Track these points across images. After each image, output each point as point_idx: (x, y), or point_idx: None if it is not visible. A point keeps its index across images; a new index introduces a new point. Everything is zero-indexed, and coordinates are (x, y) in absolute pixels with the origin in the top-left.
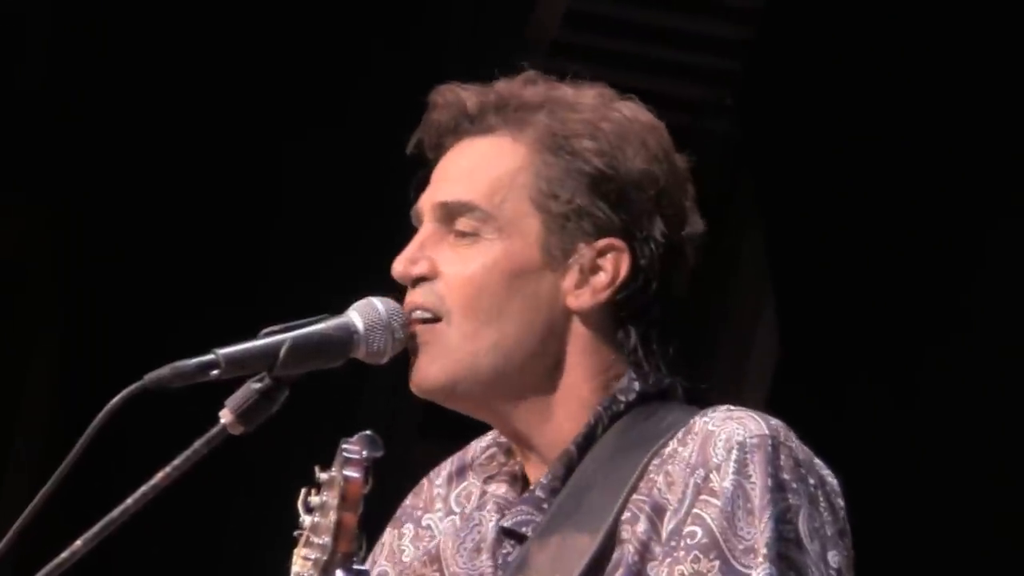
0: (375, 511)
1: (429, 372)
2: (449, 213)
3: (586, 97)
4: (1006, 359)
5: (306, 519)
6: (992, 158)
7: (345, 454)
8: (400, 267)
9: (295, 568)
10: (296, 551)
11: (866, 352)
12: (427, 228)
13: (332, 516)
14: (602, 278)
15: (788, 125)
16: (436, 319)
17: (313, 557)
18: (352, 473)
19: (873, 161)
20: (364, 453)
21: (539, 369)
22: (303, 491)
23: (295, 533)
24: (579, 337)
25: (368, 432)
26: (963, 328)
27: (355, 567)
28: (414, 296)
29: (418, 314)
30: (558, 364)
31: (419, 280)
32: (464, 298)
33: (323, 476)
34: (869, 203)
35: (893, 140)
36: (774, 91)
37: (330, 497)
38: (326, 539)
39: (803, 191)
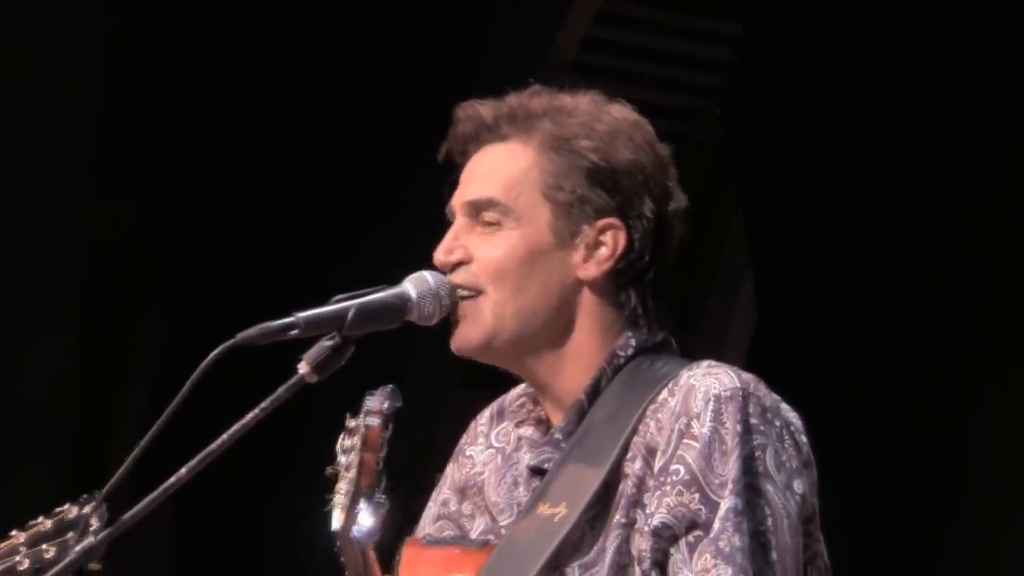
0: (425, 450)
1: (468, 335)
2: (476, 208)
3: (582, 103)
4: (939, 338)
5: (341, 459)
6: (940, 167)
7: (367, 405)
8: (441, 255)
9: (334, 498)
10: (336, 485)
11: (829, 320)
12: (459, 222)
13: (356, 456)
14: (604, 252)
15: (766, 133)
16: (476, 294)
17: (344, 490)
18: (372, 421)
19: (838, 163)
20: (385, 404)
21: (554, 330)
22: (340, 436)
23: (328, 470)
24: (587, 302)
25: (390, 386)
26: (901, 306)
27: (375, 498)
28: (455, 277)
29: (462, 292)
30: (570, 325)
31: (457, 265)
32: (494, 276)
33: (351, 423)
34: (832, 198)
35: (855, 146)
36: (756, 105)
37: (357, 441)
38: (352, 474)
39: (778, 187)
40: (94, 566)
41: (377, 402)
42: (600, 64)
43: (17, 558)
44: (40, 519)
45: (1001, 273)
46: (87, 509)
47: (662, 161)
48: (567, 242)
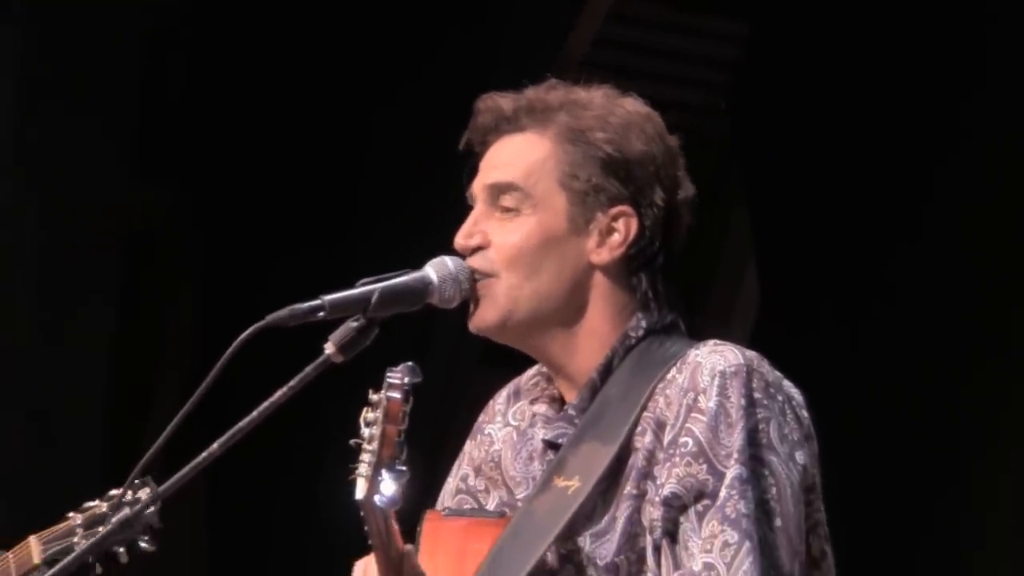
0: (447, 426)
1: (485, 316)
2: (496, 192)
3: (596, 97)
4: (937, 322)
5: (364, 431)
6: (938, 155)
7: (389, 379)
8: (461, 240)
9: (357, 468)
10: (360, 456)
11: (825, 302)
12: (479, 208)
13: (379, 429)
14: (616, 238)
15: (769, 126)
16: (490, 277)
17: (367, 460)
18: (393, 394)
19: (838, 154)
20: (405, 379)
21: (568, 312)
22: (364, 410)
23: (352, 442)
24: (600, 286)
25: (410, 362)
26: (896, 289)
27: (396, 467)
28: (473, 262)
29: (478, 276)
30: (583, 307)
31: (476, 249)
32: (509, 261)
33: (374, 398)
34: (832, 187)
35: (855, 137)
36: (760, 99)
37: (379, 414)
38: (375, 446)
39: (780, 178)
40: (148, 546)
41: (398, 377)
42: (611, 61)
43: (75, 539)
44: (96, 502)
45: (996, 257)
46: (141, 493)
47: (672, 152)
48: (581, 228)
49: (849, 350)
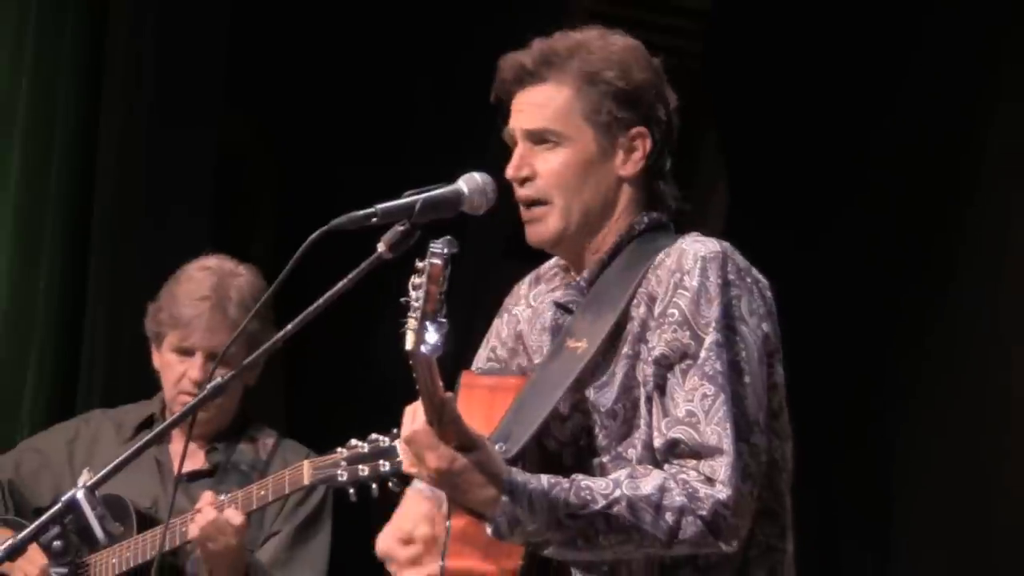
0: (476, 307)
1: (543, 234)
2: (535, 136)
3: (593, 38)
4: (868, 245)
5: (412, 293)
6: (879, 81)
7: (432, 248)
8: (512, 172)
9: (407, 323)
10: (408, 313)
11: (784, 209)
12: (522, 146)
13: (423, 289)
14: (637, 154)
15: (736, 64)
16: (546, 203)
17: (414, 315)
18: (434, 260)
19: (791, 87)
20: (445, 249)
21: (603, 219)
22: (412, 276)
23: (402, 300)
24: (626, 193)
25: (448, 236)
26: (846, 210)
27: (438, 320)
28: (526, 191)
29: (532, 203)
30: (613, 212)
31: (525, 180)
32: (557, 185)
33: (419, 264)
34: (787, 114)
35: (801, 70)
36: (725, 42)
37: (424, 277)
38: (419, 303)
39: (747, 108)
40: (395, 488)
41: (439, 246)
42: (613, 12)
43: (338, 471)
44: (360, 443)
45: (929, 177)
46: (396, 441)
47: (659, 72)
48: (609, 151)
49: (804, 260)
